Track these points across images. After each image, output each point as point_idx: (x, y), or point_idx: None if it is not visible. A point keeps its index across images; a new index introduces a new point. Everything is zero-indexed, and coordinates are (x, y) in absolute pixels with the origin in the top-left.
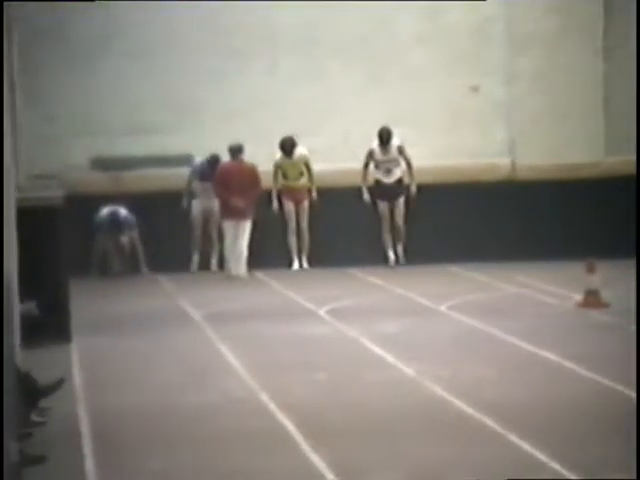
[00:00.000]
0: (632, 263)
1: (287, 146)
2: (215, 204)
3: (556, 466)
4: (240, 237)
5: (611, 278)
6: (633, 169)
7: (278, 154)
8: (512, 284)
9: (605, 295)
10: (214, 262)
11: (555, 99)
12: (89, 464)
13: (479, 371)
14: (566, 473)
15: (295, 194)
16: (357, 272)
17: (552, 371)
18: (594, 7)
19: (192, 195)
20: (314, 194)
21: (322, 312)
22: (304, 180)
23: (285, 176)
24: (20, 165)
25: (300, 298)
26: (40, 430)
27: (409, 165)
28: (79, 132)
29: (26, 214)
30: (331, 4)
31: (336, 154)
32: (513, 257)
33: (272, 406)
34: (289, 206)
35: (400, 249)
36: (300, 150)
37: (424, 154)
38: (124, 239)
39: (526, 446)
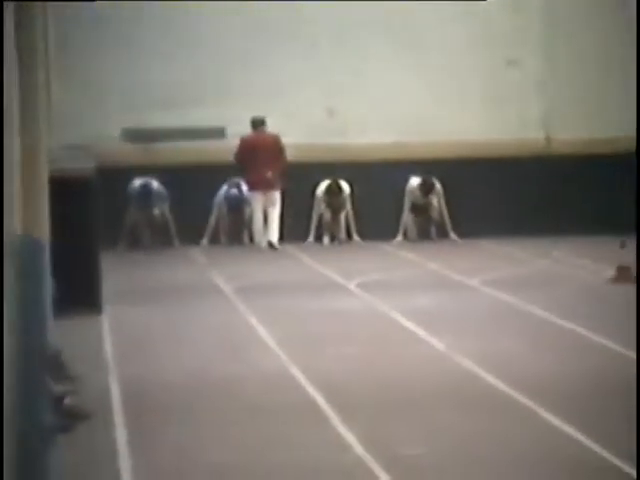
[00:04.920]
0: None
1: None
2: None
3: (583, 439)
4: (271, 207)
5: None
6: None
7: None
8: (545, 259)
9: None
10: (245, 234)
11: (591, 73)
12: (120, 434)
13: (510, 345)
14: (593, 446)
15: None
16: (387, 247)
17: (583, 345)
18: None
19: None
20: None
21: (352, 286)
22: None
23: None
24: (52, 136)
25: (330, 272)
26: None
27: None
28: (113, 104)
29: (57, 185)
30: None
31: (372, 129)
32: (547, 232)
33: (302, 380)
34: None
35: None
36: None
37: (461, 129)
38: (156, 212)
39: (555, 420)
